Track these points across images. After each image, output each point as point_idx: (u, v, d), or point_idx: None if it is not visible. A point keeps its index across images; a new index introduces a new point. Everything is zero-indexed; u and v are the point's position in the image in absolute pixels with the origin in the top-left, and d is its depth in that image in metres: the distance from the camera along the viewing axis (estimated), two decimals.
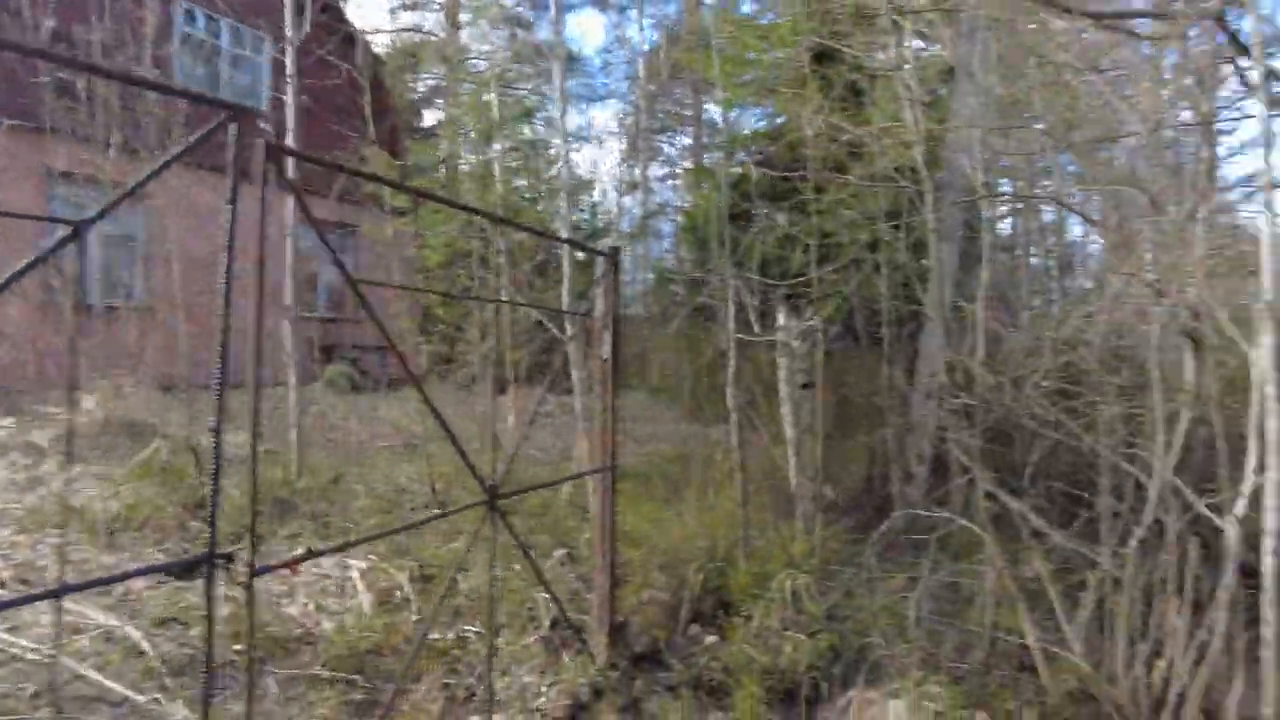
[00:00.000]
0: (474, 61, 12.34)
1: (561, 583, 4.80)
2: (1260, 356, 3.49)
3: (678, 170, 15.88)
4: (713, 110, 12.79)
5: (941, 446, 7.18)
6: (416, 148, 8.32)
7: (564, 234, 6.02)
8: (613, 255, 3.76)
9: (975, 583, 4.54)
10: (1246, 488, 3.71)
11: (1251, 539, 3.94)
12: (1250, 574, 4.03)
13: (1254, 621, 4.12)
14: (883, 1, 5.86)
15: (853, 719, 3.59)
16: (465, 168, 10.39)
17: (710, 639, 4.36)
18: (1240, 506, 3.75)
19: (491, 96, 7.97)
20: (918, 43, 10.21)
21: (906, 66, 6.51)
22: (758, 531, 5.37)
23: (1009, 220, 12.45)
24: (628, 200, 18.75)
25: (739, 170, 10.05)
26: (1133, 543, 4.27)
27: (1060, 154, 7.95)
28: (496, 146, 13.93)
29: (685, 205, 13.71)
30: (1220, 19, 3.66)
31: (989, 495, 4.97)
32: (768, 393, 5.93)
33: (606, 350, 3.83)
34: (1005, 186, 10.34)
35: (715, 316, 8.84)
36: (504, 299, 5.64)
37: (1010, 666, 4.57)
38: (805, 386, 5.77)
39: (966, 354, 6.74)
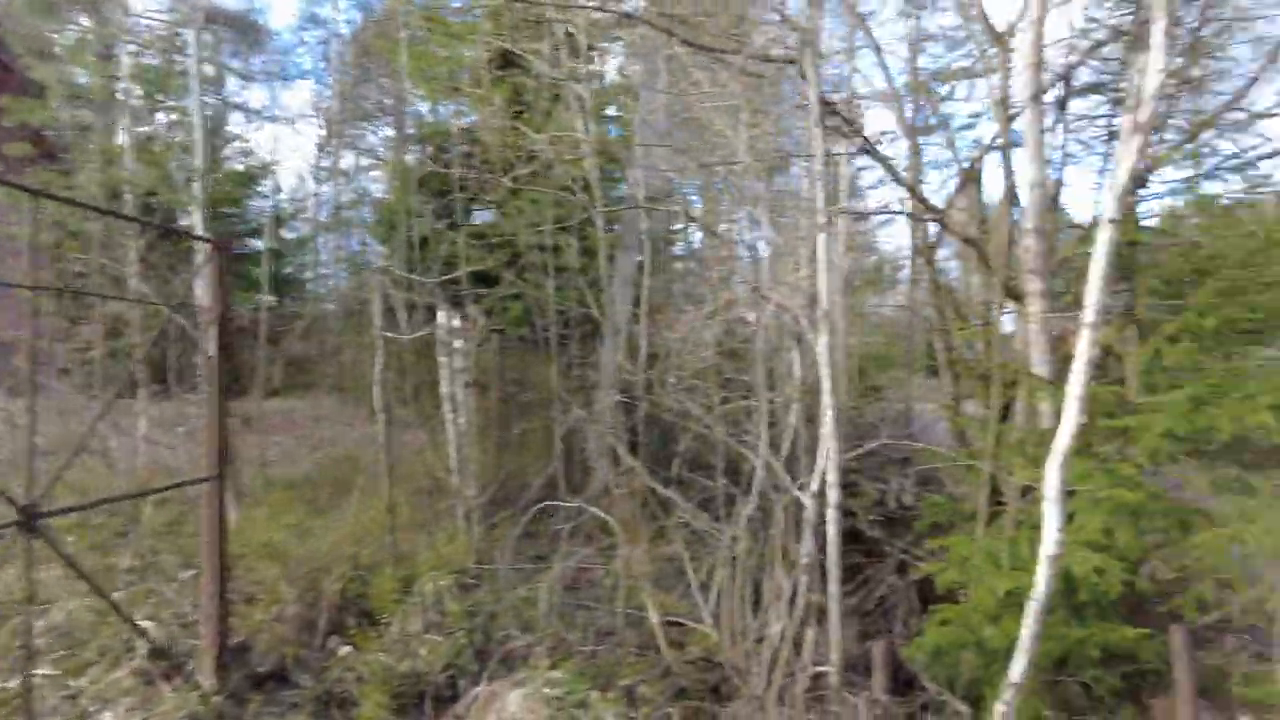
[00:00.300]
0: (131, 19, 10.76)
1: (172, 606, 4.31)
2: (820, 355, 4.11)
3: (374, 161, 15.18)
4: (421, 104, 12.38)
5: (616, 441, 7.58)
6: (18, 106, 6.88)
7: (198, 220, 5.39)
8: (216, 244, 3.43)
9: (609, 567, 4.83)
10: (819, 467, 4.36)
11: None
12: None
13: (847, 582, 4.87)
14: (550, 13, 6.03)
15: (475, 714, 3.62)
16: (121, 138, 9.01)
17: (345, 650, 4.16)
18: (815, 483, 4.39)
19: (117, 57, 6.96)
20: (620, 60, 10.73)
21: (578, 81, 6.77)
22: (413, 534, 5.26)
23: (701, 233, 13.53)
24: (326, 189, 17.54)
25: (431, 167, 9.83)
26: (742, 521, 4.82)
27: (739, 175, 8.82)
28: (162, 117, 12.26)
29: (382, 198, 13.15)
30: (800, 65, 4.22)
31: (622, 481, 5.34)
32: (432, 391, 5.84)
33: (213, 347, 3.48)
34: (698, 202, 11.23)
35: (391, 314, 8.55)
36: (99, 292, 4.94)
37: (646, 644, 4.93)
38: (469, 385, 5.76)
39: (627, 356, 7.21)
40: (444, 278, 5.35)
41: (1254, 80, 4.86)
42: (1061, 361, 5.61)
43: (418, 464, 5.76)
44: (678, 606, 5.45)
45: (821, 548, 4.19)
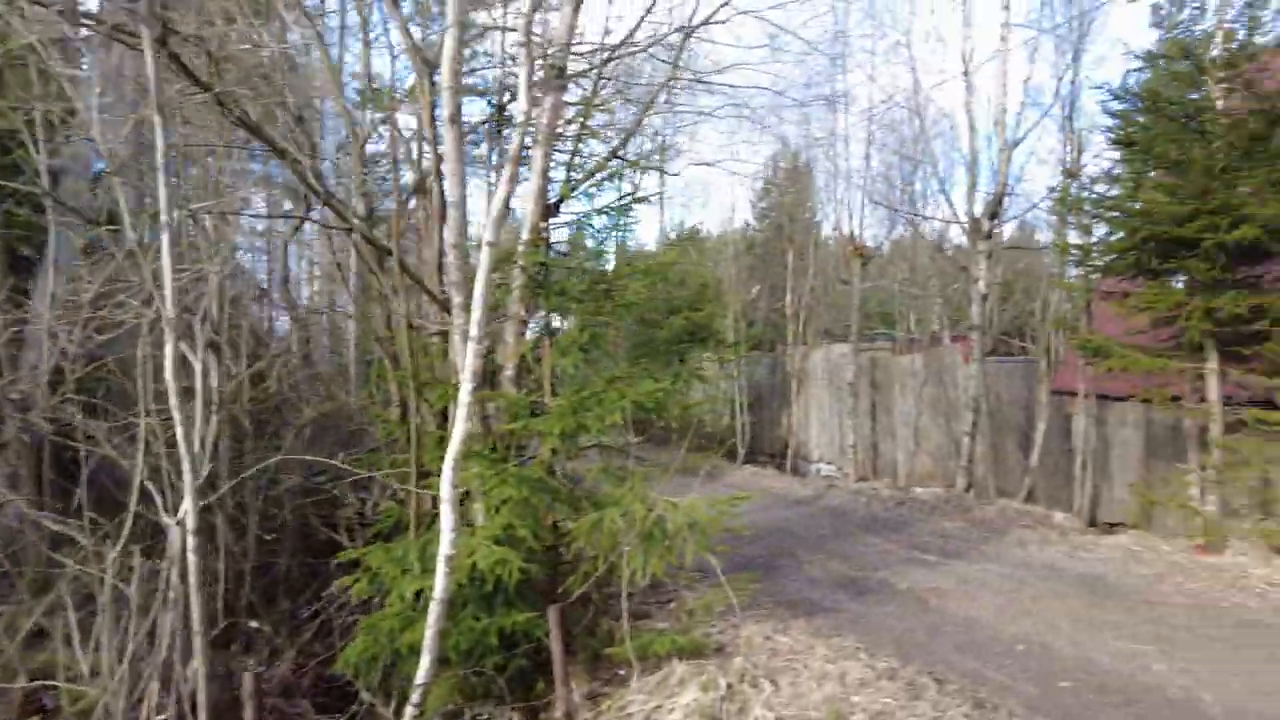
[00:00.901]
0: None
1: None
2: (168, 370, 3.80)
3: None
4: None
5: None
6: None
7: None
8: None
9: None
10: (187, 495, 4.02)
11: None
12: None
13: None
14: None
15: None
16: None
17: None
18: (183, 510, 4.04)
19: None
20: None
21: None
22: None
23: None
24: None
25: None
26: (113, 553, 4.25)
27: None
28: None
29: None
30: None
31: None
32: None
33: None
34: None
35: None
36: None
37: None
38: None
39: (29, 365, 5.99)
40: None
41: (629, 136, 5.80)
42: (488, 372, 6.02)
43: None
44: (63, 663, 4.66)
45: (183, 576, 3.86)
